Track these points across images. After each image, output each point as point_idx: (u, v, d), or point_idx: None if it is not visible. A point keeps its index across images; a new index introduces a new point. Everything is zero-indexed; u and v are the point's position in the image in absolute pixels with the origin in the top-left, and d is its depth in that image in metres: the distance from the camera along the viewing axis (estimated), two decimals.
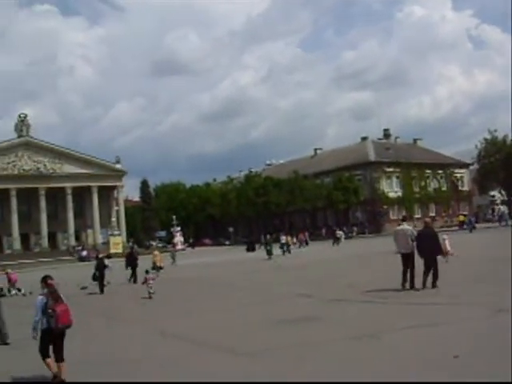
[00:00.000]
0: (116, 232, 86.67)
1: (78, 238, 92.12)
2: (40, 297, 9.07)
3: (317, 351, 10.12)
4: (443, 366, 8.25)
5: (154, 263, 34.78)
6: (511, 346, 8.55)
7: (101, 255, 30.99)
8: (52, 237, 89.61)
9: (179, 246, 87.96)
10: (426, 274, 16.53)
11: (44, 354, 8.99)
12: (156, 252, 38.06)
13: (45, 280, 9.32)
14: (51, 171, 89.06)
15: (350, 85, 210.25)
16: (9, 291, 28.31)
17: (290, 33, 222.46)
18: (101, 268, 26.79)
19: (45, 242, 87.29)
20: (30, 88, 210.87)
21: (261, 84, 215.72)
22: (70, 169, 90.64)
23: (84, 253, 78.26)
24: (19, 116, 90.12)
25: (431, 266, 16.56)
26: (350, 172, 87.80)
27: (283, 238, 50.56)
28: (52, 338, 8.93)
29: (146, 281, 22.29)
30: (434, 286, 16.38)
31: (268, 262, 40.47)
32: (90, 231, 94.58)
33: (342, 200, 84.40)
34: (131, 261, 31.42)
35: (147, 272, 23.18)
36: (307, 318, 13.74)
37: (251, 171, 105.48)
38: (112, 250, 75.13)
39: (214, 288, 24.50)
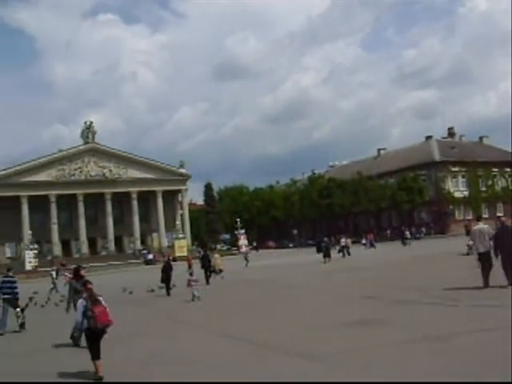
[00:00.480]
0: (181, 235, 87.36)
1: (143, 241, 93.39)
2: (80, 300, 9.89)
3: (382, 354, 9.66)
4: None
5: (214, 266, 34.87)
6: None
7: (168, 258, 31.12)
8: (118, 241, 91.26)
9: (243, 249, 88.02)
10: (507, 272, 15.95)
11: (93, 354, 9.60)
12: (216, 255, 38.05)
13: (84, 284, 10.30)
14: (116, 176, 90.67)
15: (412, 83, 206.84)
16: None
17: (350, 32, 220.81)
18: (167, 271, 26.89)
19: (111, 245, 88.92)
20: (94, 96, 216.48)
21: (322, 85, 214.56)
22: (134, 174, 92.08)
23: (150, 256, 79.24)
24: (85, 123, 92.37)
25: (509, 265, 15.91)
26: (415, 172, 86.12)
27: (343, 241, 49.64)
28: (94, 337, 9.55)
29: (189, 284, 22.63)
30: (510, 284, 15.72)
31: (329, 264, 39.65)
32: (155, 235, 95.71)
33: (407, 200, 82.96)
34: (204, 263, 32.46)
35: (191, 274, 24.10)
36: (372, 321, 13.19)
37: (314, 173, 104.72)
38: (177, 254, 75.74)
39: (279, 290, 24.03)
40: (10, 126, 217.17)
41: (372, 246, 60.40)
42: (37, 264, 74.25)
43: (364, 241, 62.70)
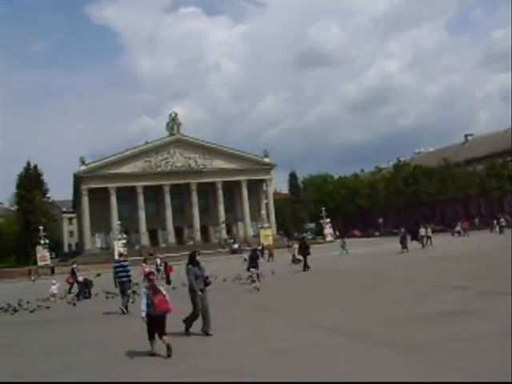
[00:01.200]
0: (266, 225, 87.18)
1: (229, 231, 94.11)
2: (143, 289, 11.49)
3: (472, 345, 9.27)
4: None
5: (294, 255, 34.84)
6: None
7: (254, 246, 31.37)
8: (204, 230, 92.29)
9: (329, 238, 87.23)
10: None
11: (149, 336, 11.08)
12: (296, 245, 37.93)
13: (148, 276, 11.92)
14: (202, 167, 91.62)
15: (501, 66, 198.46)
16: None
17: (435, 15, 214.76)
18: (255, 259, 26.98)
19: (197, 235, 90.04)
20: (179, 87, 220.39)
21: (407, 71, 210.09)
22: (219, 164, 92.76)
23: (236, 245, 79.63)
24: (170, 115, 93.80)
25: None
26: (504, 158, 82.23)
27: (422, 230, 47.64)
28: (154, 322, 10.91)
29: (251, 275, 23.72)
30: None
31: (406, 254, 38.23)
32: (240, 224, 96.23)
33: (496, 187, 79.57)
34: (303, 250, 32.20)
35: (254, 266, 24.63)
36: (464, 311, 12.56)
37: (400, 160, 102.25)
38: (263, 242, 75.61)
39: (366, 279, 23.27)
40: (99, 120, 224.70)
41: (464, 234, 58.10)
42: (126, 253, 75.76)
43: (458, 228, 60.35)
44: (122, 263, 19.72)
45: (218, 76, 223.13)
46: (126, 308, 18.70)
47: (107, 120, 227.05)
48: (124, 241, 77.42)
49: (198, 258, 13.25)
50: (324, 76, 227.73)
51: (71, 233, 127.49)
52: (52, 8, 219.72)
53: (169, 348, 10.69)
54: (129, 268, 19.54)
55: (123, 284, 19.17)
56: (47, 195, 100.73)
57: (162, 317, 10.96)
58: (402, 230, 46.45)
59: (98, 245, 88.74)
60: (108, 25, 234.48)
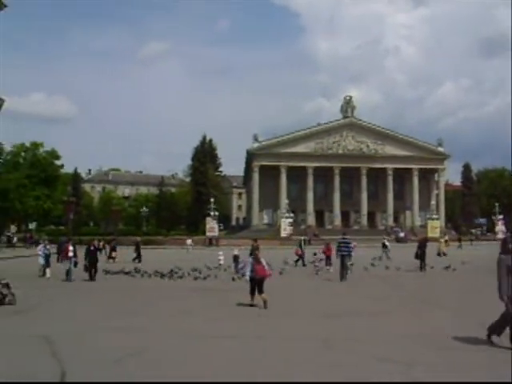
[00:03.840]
0: (434, 216, 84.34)
1: (396, 219, 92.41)
2: (250, 259, 16.10)
3: None
4: None
5: (439, 249, 33.90)
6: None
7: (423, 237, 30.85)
8: (371, 216, 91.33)
9: (500, 236, 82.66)
10: None
11: (251, 292, 15.30)
12: (442, 239, 36.86)
13: (254, 251, 16.80)
14: (373, 152, 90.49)
15: None
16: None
17: None
18: (423, 247, 27.38)
19: (364, 220, 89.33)
20: (356, 70, 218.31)
21: None
22: (391, 150, 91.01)
23: (401, 234, 77.97)
24: (345, 98, 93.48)
25: None
26: None
27: None
28: (254, 283, 15.21)
29: (314, 262, 27.29)
30: None
31: None
32: (408, 213, 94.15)
33: None
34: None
35: (315, 254, 27.84)
36: None
37: None
38: (430, 234, 73.28)
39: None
40: (276, 99, 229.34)
41: None
42: (291, 232, 77.05)
43: None
44: (346, 240, 23.56)
45: (397, 60, 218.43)
46: (342, 277, 22.56)
47: (283, 99, 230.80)
48: (291, 219, 78.61)
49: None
50: (509, 65, 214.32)
51: (240, 207, 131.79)
52: None
53: (265, 302, 14.65)
54: (351, 245, 23.56)
55: (343, 257, 22.84)
56: (219, 169, 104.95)
57: (261, 280, 15.17)
58: None
59: (265, 221, 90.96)
60: (289, 5, 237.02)
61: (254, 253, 16.26)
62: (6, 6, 54.42)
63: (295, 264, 31.43)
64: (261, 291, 15.03)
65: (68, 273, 22.90)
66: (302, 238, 34.01)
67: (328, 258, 30.60)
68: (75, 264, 23.51)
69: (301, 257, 32.02)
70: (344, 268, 22.87)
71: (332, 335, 11.06)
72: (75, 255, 23.61)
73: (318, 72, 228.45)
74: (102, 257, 32.52)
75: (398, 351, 9.51)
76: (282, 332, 11.58)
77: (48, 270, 24.99)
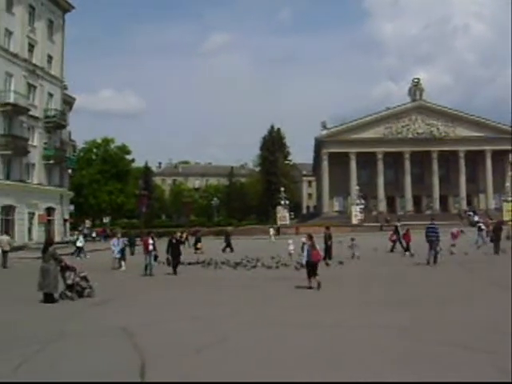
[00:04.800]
0: (509, 198, 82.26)
1: (469, 202, 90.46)
2: (306, 246, 17.49)
3: None
4: None
5: (509, 232, 33.96)
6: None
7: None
8: (443, 200, 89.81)
9: None
10: None
11: (308, 275, 16.69)
12: None
13: (309, 237, 17.41)
14: (444, 134, 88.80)
15: None
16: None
17: None
18: (498, 231, 27.42)
19: (436, 204, 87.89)
20: (424, 51, 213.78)
21: None
22: (462, 132, 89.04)
23: (476, 217, 76.30)
24: (413, 80, 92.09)
25: None
26: None
27: None
28: (310, 267, 16.67)
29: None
30: None
31: None
32: (481, 196, 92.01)
33: None
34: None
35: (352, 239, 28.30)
36: None
37: None
38: (505, 218, 71.54)
39: None
40: (342, 84, 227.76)
41: None
42: (362, 218, 76.85)
43: None
44: (434, 226, 23.69)
45: (467, 38, 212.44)
46: (429, 262, 22.95)
47: (349, 84, 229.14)
48: (362, 206, 78.47)
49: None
50: None
51: (310, 195, 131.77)
52: None
53: (319, 284, 16.13)
54: (438, 231, 23.46)
55: (432, 242, 23.04)
56: (289, 158, 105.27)
57: (316, 263, 16.76)
58: None
59: (336, 208, 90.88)
60: None
61: (310, 239, 17.20)
62: (73, 8, 56.85)
63: (391, 250, 30.86)
64: (315, 274, 16.50)
65: (147, 267, 22.55)
66: (399, 223, 32.74)
67: (394, 243, 30.67)
68: (155, 258, 23.31)
69: (394, 242, 31.20)
70: (433, 253, 23.17)
71: (410, 324, 10.97)
72: (155, 249, 23.11)
73: (385, 55, 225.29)
74: (186, 249, 33.39)
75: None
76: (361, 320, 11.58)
77: (123, 263, 25.74)
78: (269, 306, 13.84)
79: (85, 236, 61.36)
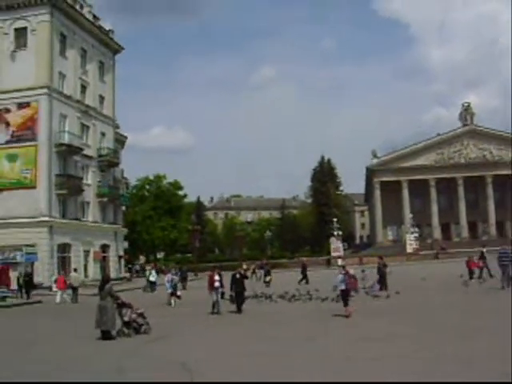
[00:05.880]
0: None
1: None
2: (341, 275, 18.21)
3: None
4: None
5: None
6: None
7: None
8: (499, 225, 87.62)
9: None
10: None
11: (344, 303, 17.79)
12: None
13: (345, 269, 18.87)
14: (497, 158, 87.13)
15: None
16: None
17: None
18: None
19: (492, 230, 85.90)
20: (472, 75, 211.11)
21: None
22: None
23: None
24: (463, 105, 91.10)
25: None
26: None
27: None
28: (346, 294, 17.87)
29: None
30: None
31: None
32: None
33: None
34: None
35: (363, 271, 27.54)
36: None
37: None
38: None
39: None
40: (391, 111, 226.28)
41: None
42: (417, 247, 75.57)
43: None
44: (507, 251, 24.06)
45: None
46: (504, 286, 23.11)
47: (398, 112, 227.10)
48: (416, 234, 77.09)
49: None
50: None
51: (363, 225, 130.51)
52: (339, 5, 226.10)
53: (349, 314, 17.15)
54: (510, 255, 23.61)
55: (505, 267, 23.36)
56: (340, 188, 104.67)
57: (349, 291, 18.66)
58: None
59: (390, 237, 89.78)
60: (396, 17, 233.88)
61: (344, 269, 18.75)
62: (123, 49, 58.55)
63: (480, 278, 29.09)
64: (346, 302, 17.71)
65: (214, 305, 20.77)
66: (485, 249, 31.60)
67: (481, 270, 29.88)
68: (222, 294, 21.38)
69: (482, 269, 29.97)
70: (506, 278, 23.35)
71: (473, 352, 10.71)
72: (222, 285, 21.23)
73: (433, 81, 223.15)
74: (253, 283, 33.21)
75: None
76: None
77: (172, 300, 25.40)
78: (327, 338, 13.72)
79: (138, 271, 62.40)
